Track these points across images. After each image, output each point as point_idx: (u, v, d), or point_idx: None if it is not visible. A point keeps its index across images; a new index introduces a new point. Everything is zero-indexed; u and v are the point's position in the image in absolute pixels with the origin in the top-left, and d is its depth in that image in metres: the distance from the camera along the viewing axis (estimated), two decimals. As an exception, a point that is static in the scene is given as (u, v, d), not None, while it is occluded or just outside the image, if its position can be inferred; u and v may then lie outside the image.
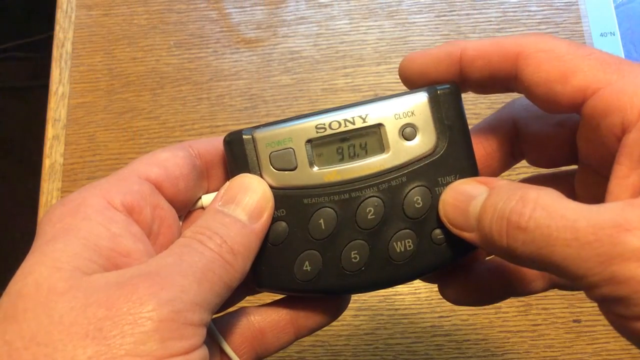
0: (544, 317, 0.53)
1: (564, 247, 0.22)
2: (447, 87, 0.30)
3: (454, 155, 0.30)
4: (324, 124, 0.30)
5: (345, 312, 0.33)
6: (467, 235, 0.27)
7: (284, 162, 0.30)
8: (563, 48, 0.27)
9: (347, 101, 0.61)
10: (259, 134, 0.30)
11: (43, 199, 0.59)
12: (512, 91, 0.29)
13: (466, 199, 0.28)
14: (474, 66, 0.29)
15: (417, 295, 0.55)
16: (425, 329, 0.54)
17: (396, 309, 0.54)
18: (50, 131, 0.61)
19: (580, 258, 0.22)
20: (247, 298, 0.35)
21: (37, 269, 0.24)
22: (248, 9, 0.65)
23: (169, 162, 0.30)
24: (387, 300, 0.55)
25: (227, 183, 0.29)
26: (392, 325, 0.54)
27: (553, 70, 0.26)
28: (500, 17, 0.63)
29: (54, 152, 0.60)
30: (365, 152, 0.30)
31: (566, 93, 0.26)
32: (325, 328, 0.33)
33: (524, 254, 0.24)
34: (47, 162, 0.60)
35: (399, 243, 0.30)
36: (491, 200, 0.26)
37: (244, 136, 0.30)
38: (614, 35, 0.61)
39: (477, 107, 0.60)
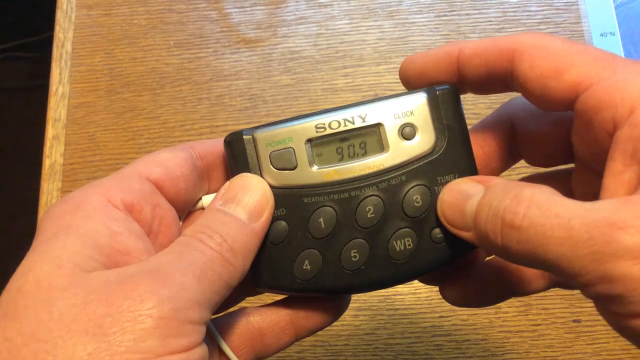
0: (544, 317, 0.53)
1: (558, 245, 0.22)
2: (446, 88, 0.30)
3: (453, 155, 0.30)
4: (324, 124, 0.30)
5: (345, 312, 0.33)
6: (464, 234, 0.27)
7: (284, 161, 0.30)
8: (557, 44, 0.27)
9: (347, 101, 0.61)
10: (259, 134, 0.30)
11: (43, 199, 0.59)
12: (511, 90, 0.29)
13: (463, 197, 0.28)
14: (471, 65, 0.29)
15: (417, 295, 0.55)
16: (425, 329, 0.54)
17: (396, 309, 0.54)
18: (50, 131, 0.61)
19: (574, 256, 0.22)
20: (247, 299, 0.35)
21: (37, 266, 0.24)
22: (248, 9, 0.65)
23: (170, 162, 0.30)
24: (387, 300, 0.55)
25: (228, 182, 0.30)
26: (392, 325, 0.54)
27: (547, 66, 0.26)
28: (500, 17, 0.63)
29: (54, 152, 0.60)
30: (365, 151, 0.30)
31: (560, 89, 0.26)
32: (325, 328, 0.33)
33: (518, 253, 0.24)
34: (47, 162, 0.60)
35: (398, 242, 0.30)
36: (486, 198, 0.26)
37: (244, 136, 0.30)
38: (614, 35, 0.61)
39: (477, 107, 0.60)
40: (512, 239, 0.24)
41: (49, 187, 0.59)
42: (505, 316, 0.54)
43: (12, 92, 1.42)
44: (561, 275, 0.23)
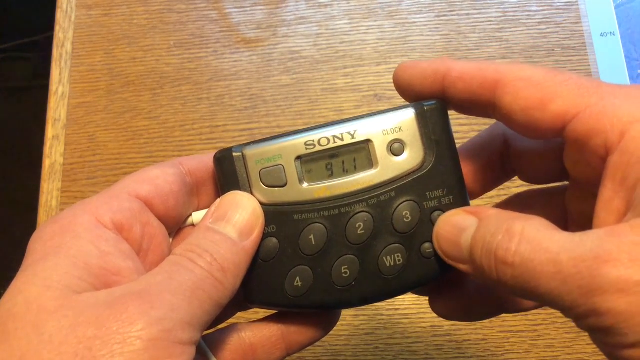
0: (544, 317, 0.53)
1: (548, 280, 0.22)
2: (433, 103, 0.30)
3: (442, 170, 0.30)
4: (313, 141, 0.30)
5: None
6: (462, 267, 0.27)
7: (274, 178, 0.30)
8: (540, 75, 0.26)
9: (347, 101, 0.61)
10: (249, 151, 0.30)
11: (43, 199, 0.59)
12: (491, 117, 0.29)
13: (457, 231, 0.27)
14: (456, 88, 0.29)
15: (417, 295, 0.55)
16: (425, 329, 0.54)
17: (396, 309, 0.54)
18: (50, 131, 0.61)
19: (564, 291, 0.22)
20: (238, 314, 0.34)
21: (27, 288, 0.24)
22: (248, 9, 0.65)
23: (159, 179, 0.29)
24: (387, 300, 0.54)
25: (218, 200, 0.29)
26: (392, 325, 0.54)
27: (531, 97, 0.26)
28: (500, 17, 0.63)
29: (54, 152, 0.60)
30: (354, 168, 0.30)
31: (546, 119, 0.26)
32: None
33: (514, 288, 0.24)
34: (47, 162, 0.60)
35: (388, 257, 0.30)
36: (480, 233, 0.26)
37: (234, 153, 0.30)
38: (614, 35, 0.61)
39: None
40: (507, 274, 0.24)
41: (49, 187, 0.59)
42: (505, 316, 0.54)
43: (12, 92, 1.42)
44: (556, 309, 0.23)
